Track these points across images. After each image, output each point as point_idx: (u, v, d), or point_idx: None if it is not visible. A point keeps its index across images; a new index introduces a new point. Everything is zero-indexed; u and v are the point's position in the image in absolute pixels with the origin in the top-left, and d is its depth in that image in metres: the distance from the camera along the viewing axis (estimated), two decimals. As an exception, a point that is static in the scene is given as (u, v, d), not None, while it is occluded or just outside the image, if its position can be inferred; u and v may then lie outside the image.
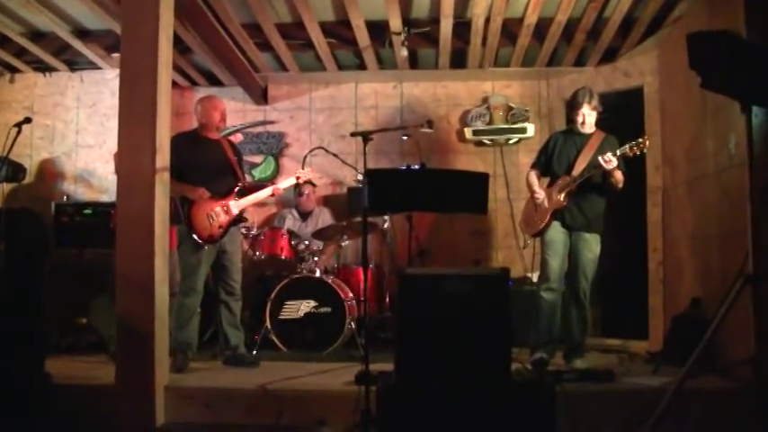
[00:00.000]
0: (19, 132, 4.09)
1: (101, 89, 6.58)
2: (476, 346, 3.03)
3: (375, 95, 6.84)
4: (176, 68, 6.19)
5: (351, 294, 5.39)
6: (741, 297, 2.94)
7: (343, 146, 6.43)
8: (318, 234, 5.51)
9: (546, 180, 4.72)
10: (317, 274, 5.32)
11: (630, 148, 4.20)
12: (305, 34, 5.59)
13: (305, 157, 5.09)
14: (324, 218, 6.14)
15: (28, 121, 4.20)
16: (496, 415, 2.94)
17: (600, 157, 4.22)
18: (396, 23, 5.39)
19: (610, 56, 5.97)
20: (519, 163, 6.58)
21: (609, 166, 4.19)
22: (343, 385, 3.78)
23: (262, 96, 6.85)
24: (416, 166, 5.66)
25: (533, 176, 4.72)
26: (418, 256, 6.03)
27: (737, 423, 3.35)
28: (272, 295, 5.21)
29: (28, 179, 6.24)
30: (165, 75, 3.85)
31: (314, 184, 6.03)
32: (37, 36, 5.87)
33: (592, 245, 4.45)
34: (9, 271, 3.86)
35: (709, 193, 4.54)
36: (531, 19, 5.26)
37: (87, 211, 5.81)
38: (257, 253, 5.48)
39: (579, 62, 6.19)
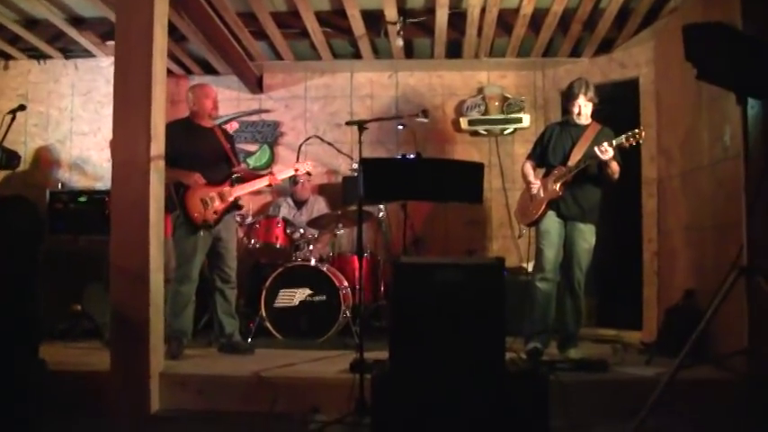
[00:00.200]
0: (13, 119, 4.08)
1: (95, 77, 6.54)
2: (470, 336, 3.03)
3: (370, 85, 6.83)
4: (171, 57, 6.16)
5: (346, 283, 5.40)
6: (735, 289, 2.95)
7: (338, 135, 6.43)
8: (313, 222, 5.51)
9: (541, 171, 4.72)
10: (313, 262, 5.32)
11: (626, 138, 4.21)
12: (300, 23, 5.57)
13: (300, 146, 5.07)
14: (319, 206, 6.14)
15: (22, 108, 4.20)
16: (490, 404, 2.95)
17: (596, 147, 4.22)
18: (391, 13, 5.38)
19: (606, 47, 5.98)
20: (514, 153, 6.58)
21: (605, 156, 4.19)
22: (338, 373, 3.80)
23: (257, 85, 6.82)
24: (412, 156, 5.65)
25: (529, 167, 4.72)
26: (413, 245, 6.04)
27: (730, 413, 3.37)
28: (268, 283, 5.23)
29: (22, 166, 6.19)
30: (160, 63, 3.85)
31: (309, 173, 6.02)
32: (31, 23, 5.83)
33: (587, 235, 4.46)
34: (2, 258, 3.86)
35: (703, 185, 4.56)
36: (527, 9, 5.25)
37: (82, 199, 5.84)
38: (252, 241, 5.47)
39: (575, 53, 6.19)
